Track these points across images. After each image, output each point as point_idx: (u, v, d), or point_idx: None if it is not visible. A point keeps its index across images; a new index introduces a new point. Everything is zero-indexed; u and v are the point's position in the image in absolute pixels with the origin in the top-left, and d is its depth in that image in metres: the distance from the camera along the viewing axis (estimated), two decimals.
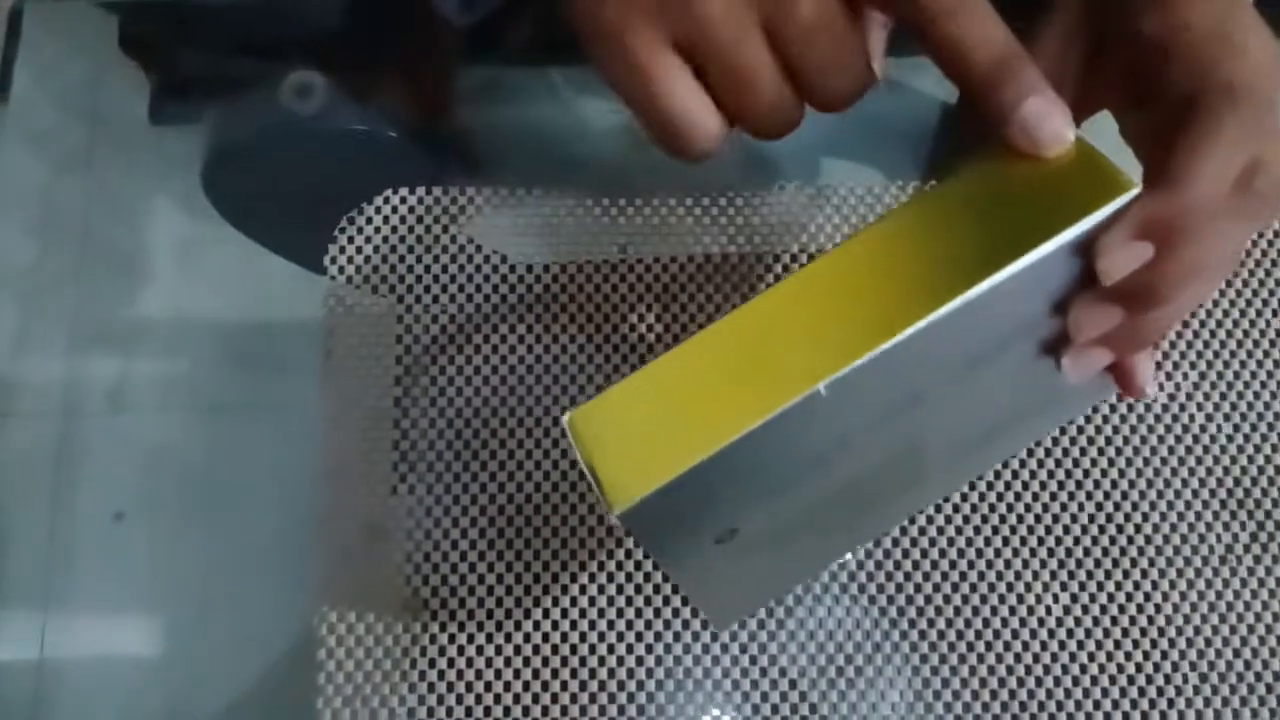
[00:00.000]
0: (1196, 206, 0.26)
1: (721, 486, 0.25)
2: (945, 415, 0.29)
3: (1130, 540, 0.40)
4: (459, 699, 0.37)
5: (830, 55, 0.27)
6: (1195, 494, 0.40)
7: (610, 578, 0.38)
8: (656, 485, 0.24)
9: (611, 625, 0.38)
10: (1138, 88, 0.29)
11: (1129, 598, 0.39)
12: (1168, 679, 0.38)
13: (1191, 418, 0.41)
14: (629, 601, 0.38)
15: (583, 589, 0.38)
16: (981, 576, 0.39)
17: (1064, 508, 0.40)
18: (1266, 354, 0.42)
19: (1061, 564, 0.39)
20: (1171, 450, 0.41)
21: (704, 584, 0.31)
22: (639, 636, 0.38)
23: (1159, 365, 0.42)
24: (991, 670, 0.38)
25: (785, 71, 0.27)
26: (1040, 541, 0.39)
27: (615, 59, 0.27)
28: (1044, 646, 0.38)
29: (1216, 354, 0.42)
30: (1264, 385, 0.42)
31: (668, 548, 0.28)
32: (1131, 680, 0.38)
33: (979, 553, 0.39)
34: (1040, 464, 0.40)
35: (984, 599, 0.39)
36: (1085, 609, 0.39)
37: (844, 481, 0.29)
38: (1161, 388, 0.42)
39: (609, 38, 0.27)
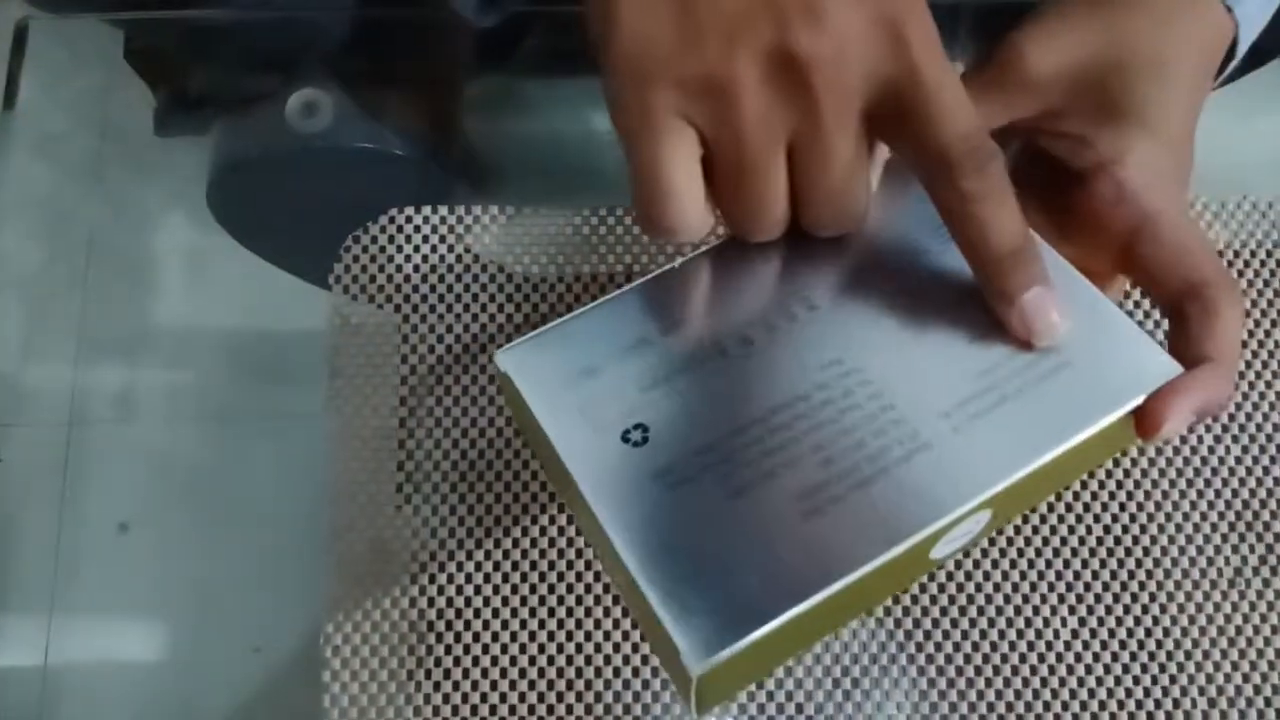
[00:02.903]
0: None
1: (596, 339, 0.29)
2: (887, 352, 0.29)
3: (1139, 563, 0.39)
4: None
5: (840, 190, 0.27)
6: (1204, 516, 0.40)
7: (616, 599, 0.38)
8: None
9: (618, 648, 0.38)
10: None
11: (1137, 621, 0.39)
12: (1176, 703, 0.38)
13: (1200, 439, 0.41)
14: (635, 622, 0.38)
15: (588, 611, 0.38)
16: (989, 599, 0.39)
17: (1072, 530, 0.40)
18: (1276, 375, 0.42)
19: (1070, 586, 0.39)
20: (1180, 472, 0.41)
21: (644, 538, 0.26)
22: (644, 659, 0.38)
23: None
24: (999, 694, 0.38)
25: (791, 191, 0.27)
26: (1048, 564, 0.39)
27: (633, 111, 0.26)
28: (1052, 671, 0.38)
29: None
30: (1273, 407, 0.41)
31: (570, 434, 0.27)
32: (1140, 704, 0.38)
33: (986, 575, 0.39)
34: None
35: (991, 622, 0.39)
36: (1094, 632, 0.39)
37: (776, 398, 0.28)
38: None
39: (636, 86, 0.26)
